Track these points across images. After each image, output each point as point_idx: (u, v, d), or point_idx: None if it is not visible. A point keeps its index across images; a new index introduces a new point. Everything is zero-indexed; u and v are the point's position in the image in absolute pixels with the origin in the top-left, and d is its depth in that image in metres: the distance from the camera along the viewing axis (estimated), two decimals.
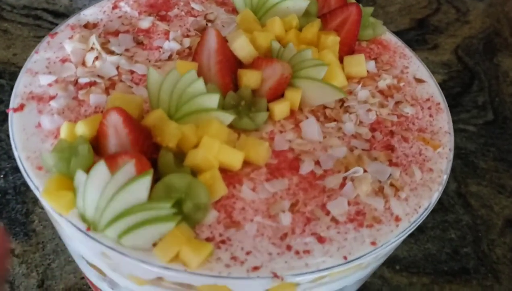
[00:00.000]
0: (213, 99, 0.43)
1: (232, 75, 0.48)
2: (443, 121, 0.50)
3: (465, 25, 1.09)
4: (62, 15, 0.97)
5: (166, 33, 0.55)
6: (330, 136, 0.47)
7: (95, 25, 0.55)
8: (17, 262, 0.63)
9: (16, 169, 0.71)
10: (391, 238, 0.40)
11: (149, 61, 0.52)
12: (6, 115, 0.45)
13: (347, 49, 0.55)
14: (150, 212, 0.36)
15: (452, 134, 0.49)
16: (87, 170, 0.38)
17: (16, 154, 0.42)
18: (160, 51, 0.53)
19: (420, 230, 0.62)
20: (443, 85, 0.91)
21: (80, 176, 0.38)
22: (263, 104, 0.47)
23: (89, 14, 0.57)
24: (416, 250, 0.68)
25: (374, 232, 0.40)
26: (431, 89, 0.54)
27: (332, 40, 0.52)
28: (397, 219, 0.42)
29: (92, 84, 0.48)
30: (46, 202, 0.39)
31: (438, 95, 0.53)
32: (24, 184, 0.70)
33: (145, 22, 0.56)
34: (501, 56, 1.02)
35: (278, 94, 0.48)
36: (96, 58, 0.50)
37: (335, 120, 0.49)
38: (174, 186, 0.38)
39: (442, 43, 1.04)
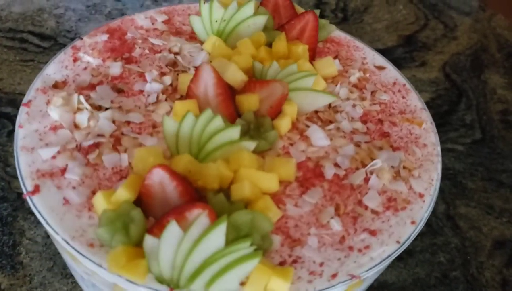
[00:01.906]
0: (235, 131, 0.45)
1: (233, 104, 0.50)
2: (415, 99, 0.57)
3: (452, 41, 1.09)
4: (49, 38, 0.90)
5: (141, 75, 0.55)
6: (334, 137, 0.51)
7: (64, 83, 0.53)
8: None
9: (1, 199, 0.67)
10: (423, 213, 0.46)
11: (139, 107, 0.52)
12: None
13: (311, 54, 0.59)
14: (233, 255, 0.38)
15: (427, 110, 0.56)
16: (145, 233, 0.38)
17: (59, 238, 0.40)
18: (144, 95, 0.53)
19: (409, 253, 0.60)
20: (430, 104, 0.92)
21: (150, 240, 0.38)
22: (268, 123, 0.50)
23: (52, 72, 0.54)
24: (405, 274, 0.68)
25: (409, 213, 0.46)
26: (393, 73, 0.60)
27: (302, 49, 0.56)
28: (421, 195, 0.47)
29: (97, 145, 0.47)
30: (118, 275, 0.38)
31: (400, 78, 0.60)
32: (11, 214, 0.67)
33: (115, 69, 0.55)
34: (489, 73, 1.02)
35: (278, 111, 0.51)
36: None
37: (331, 121, 0.53)
38: (240, 223, 0.40)
39: (429, 60, 1.02)
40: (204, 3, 0.58)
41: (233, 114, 0.49)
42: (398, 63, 0.99)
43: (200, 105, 0.49)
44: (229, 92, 0.50)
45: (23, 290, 0.61)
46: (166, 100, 0.52)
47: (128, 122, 0.50)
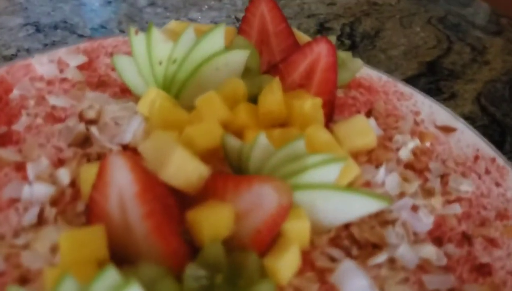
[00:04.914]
0: None
1: (180, 229, 0.25)
2: None
3: (484, 67, 0.96)
4: None
5: (20, 167, 0.30)
6: (385, 282, 0.26)
7: None
8: None
9: None
10: None
11: (2, 238, 0.26)
12: None
13: (327, 112, 0.34)
14: None
15: None
16: None
17: None
18: (17, 210, 0.28)
19: None
20: None
21: None
22: (254, 264, 0.25)
23: None
24: None
25: None
26: (469, 138, 0.35)
27: (312, 104, 0.32)
28: None
29: None
30: None
31: (484, 146, 0.34)
32: None
33: None
34: None
35: (272, 236, 0.26)
36: None
37: (376, 246, 0.27)
38: None
39: (460, 90, 0.89)
40: (137, 33, 0.33)
41: (178, 252, 0.24)
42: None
43: (114, 238, 0.24)
44: (169, 204, 0.25)
45: None
46: (55, 220, 0.27)
47: None
